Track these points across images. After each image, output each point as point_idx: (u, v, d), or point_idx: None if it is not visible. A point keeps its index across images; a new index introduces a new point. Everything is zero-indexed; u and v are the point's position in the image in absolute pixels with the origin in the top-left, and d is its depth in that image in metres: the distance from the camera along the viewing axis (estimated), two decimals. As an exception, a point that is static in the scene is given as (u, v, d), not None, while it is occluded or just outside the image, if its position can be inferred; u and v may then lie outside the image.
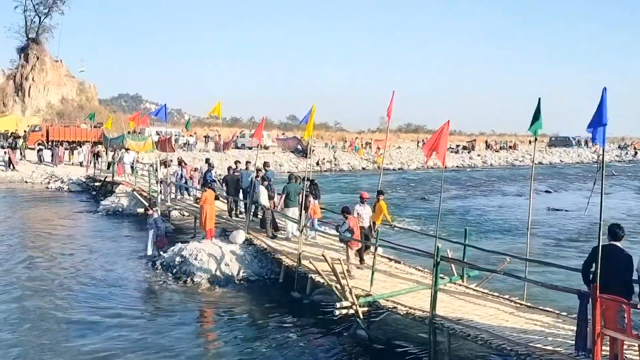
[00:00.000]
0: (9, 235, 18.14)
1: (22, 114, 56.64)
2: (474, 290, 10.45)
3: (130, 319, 10.60)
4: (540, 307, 9.36)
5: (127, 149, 28.21)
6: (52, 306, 11.06)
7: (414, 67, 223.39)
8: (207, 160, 21.65)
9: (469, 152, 66.88)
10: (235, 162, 17.57)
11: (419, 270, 11.75)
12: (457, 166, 56.29)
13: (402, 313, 9.14)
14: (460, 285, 10.70)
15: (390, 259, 12.58)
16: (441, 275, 9.07)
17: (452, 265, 10.86)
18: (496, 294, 10.22)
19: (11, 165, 33.90)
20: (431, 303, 8.42)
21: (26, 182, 32.53)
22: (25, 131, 41.49)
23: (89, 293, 12.05)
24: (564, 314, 8.93)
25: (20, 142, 37.68)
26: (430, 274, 10.90)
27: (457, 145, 68.57)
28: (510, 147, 75.74)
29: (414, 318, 8.96)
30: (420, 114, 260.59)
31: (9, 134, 38.95)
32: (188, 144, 49.94)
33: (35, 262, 14.45)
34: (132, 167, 26.44)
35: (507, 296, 10.03)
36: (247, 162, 18.30)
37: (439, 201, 10.06)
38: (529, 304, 9.54)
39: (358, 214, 11.99)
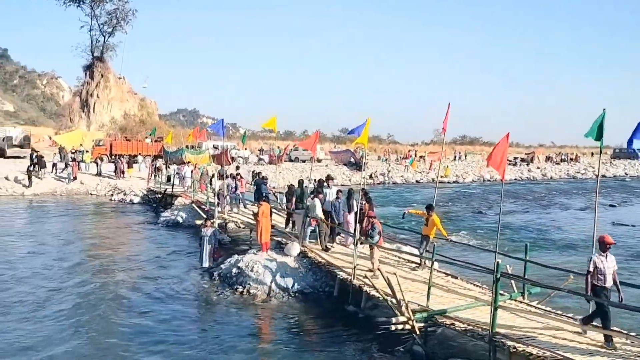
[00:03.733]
0: (74, 245, 18.97)
1: (87, 129, 59.39)
2: (535, 307, 10.12)
3: (188, 328, 10.88)
4: (607, 327, 8.94)
5: (187, 163, 29.16)
6: (113, 314, 11.49)
7: (470, 78, 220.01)
8: (255, 173, 22.21)
9: (527, 165, 65.02)
10: (327, 178, 17.28)
11: (477, 286, 11.46)
12: (515, 179, 54.79)
13: (460, 329, 8.94)
14: (521, 302, 10.38)
15: (447, 274, 12.34)
16: (501, 292, 8.83)
17: (513, 281, 10.55)
18: (559, 312, 9.86)
19: (73, 177, 35.43)
20: (491, 320, 8.20)
21: (91, 194, 33.95)
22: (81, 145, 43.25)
23: (149, 302, 12.42)
24: (633, 334, 8.51)
25: (86, 156, 39.40)
26: (489, 290, 10.65)
27: (515, 158, 66.78)
28: (571, 159, 73.15)
29: (472, 335, 8.75)
30: (476, 126, 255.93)
31: (73, 149, 40.81)
32: (245, 158, 50.87)
33: (99, 271, 15.02)
34: (192, 179, 27.22)
35: (570, 315, 9.66)
36: (327, 178, 17.60)
37: (499, 215, 9.79)
38: (594, 323, 9.13)
39: (596, 267, 8.19)
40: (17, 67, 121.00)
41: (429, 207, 12.82)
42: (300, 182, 17.08)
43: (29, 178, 33.07)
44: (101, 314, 11.47)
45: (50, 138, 52.50)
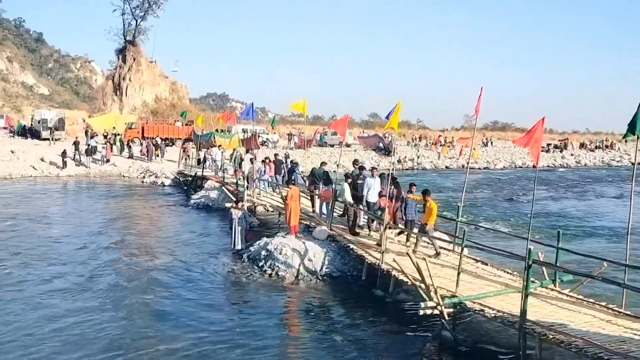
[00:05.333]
0: (106, 226, 19.39)
1: (119, 112, 60.29)
2: (567, 295, 9.97)
3: (219, 308, 11.06)
4: (641, 316, 8.77)
5: (218, 146, 29.49)
6: (144, 293, 11.72)
7: (501, 62, 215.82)
8: (286, 156, 22.63)
9: (561, 151, 63.67)
10: (354, 162, 17.99)
11: (508, 272, 11.33)
12: (548, 166, 53.79)
13: (489, 316, 8.87)
14: (552, 289, 10.24)
15: (477, 260, 12.22)
16: (532, 279, 8.71)
17: (544, 268, 10.40)
18: (591, 300, 9.70)
19: (106, 160, 36.19)
20: (521, 307, 8.11)
21: (123, 176, 34.58)
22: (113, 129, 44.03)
23: (179, 282, 12.64)
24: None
25: (117, 139, 40.19)
26: (519, 277, 10.53)
27: (548, 144, 65.40)
28: (606, 146, 71.27)
29: (502, 322, 8.68)
30: (507, 112, 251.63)
31: (106, 132, 41.58)
32: (274, 142, 51.06)
33: (130, 252, 15.33)
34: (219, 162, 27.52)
35: (603, 303, 9.49)
36: (354, 163, 18.41)
37: (532, 202, 9.63)
38: (628, 312, 8.98)
39: None
40: (52, 51, 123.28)
41: (426, 192, 12.47)
42: (323, 164, 18.03)
43: (64, 160, 33.83)
44: (132, 294, 11.73)
45: (84, 121, 53.47)
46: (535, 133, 9.22)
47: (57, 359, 8.49)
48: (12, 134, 45.08)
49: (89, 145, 36.24)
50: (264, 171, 22.02)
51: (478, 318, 9.71)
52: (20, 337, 9.19)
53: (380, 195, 14.23)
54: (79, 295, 11.45)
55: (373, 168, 15.56)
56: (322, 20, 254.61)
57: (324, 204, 16.30)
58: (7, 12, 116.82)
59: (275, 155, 23.89)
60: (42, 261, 14.04)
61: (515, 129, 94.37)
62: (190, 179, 29.68)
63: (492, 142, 66.44)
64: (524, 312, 8.08)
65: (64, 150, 34.44)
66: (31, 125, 45.17)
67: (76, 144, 35.81)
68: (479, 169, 48.93)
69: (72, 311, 10.48)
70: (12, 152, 34.98)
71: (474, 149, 52.72)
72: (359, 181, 15.15)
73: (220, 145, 29.74)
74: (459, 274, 9.98)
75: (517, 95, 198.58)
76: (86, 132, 41.96)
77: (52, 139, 40.47)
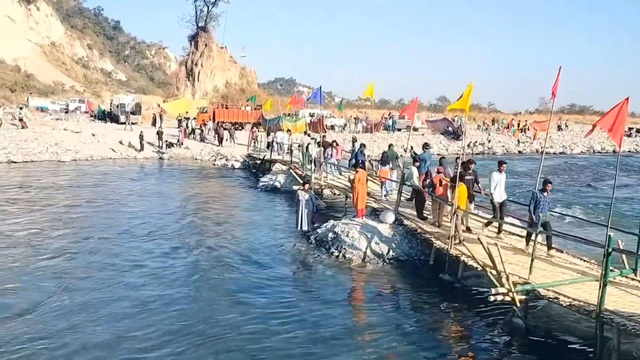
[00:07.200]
0: (178, 206, 20.16)
1: (192, 97, 62.06)
2: (649, 285, 9.44)
3: (287, 287, 11.29)
4: None
5: (287, 130, 29.91)
6: (215, 272, 12.12)
7: (581, 42, 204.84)
8: (353, 139, 22.72)
9: (643, 136, 59.94)
10: (425, 146, 18.18)
11: (584, 260, 10.86)
12: (629, 151, 50.90)
13: (564, 304, 8.54)
14: (632, 279, 9.73)
15: (551, 247, 11.77)
16: (611, 267, 8.30)
17: (624, 256, 9.89)
18: (677, 292, 9.14)
19: (180, 143, 37.46)
20: (599, 296, 7.76)
21: (196, 159, 35.77)
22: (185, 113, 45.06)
23: (249, 261, 12.96)
24: None
25: (192, 123, 41.47)
26: (597, 265, 10.11)
27: (630, 129, 61.66)
28: (697, 130, 66.27)
29: (578, 310, 8.34)
30: (586, 94, 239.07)
31: (180, 116, 42.89)
32: (341, 126, 51.12)
33: (202, 231, 15.88)
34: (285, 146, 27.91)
35: (691, 296, 8.92)
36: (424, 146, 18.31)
37: (613, 187, 9.13)
38: None
39: None
40: (128, 39, 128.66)
41: (455, 179, 12.57)
42: (390, 146, 19.11)
43: (141, 143, 35.32)
44: (205, 269, 12.18)
45: (158, 105, 55.48)
46: (618, 115, 8.66)
47: (131, 319, 8.97)
48: (92, 118, 47.55)
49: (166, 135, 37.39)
50: (331, 154, 22.10)
51: (552, 306, 9.40)
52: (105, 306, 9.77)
53: (438, 171, 13.86)
54: (149, 274, 11.94)
55: (501, 162, 13.13)
56: (389, 3, 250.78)
57: (383, 183, 17.39)
58: (87, 2, 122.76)
59: (323, 137, 25.25)
60: (118, 236, 14.79)
61: (594, 112, 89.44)
62: (259, 162, 30.27)
63: (567, 126, 63.40)
64: (601, 301, 7.74)
65: (141, 132, 35.89)
66: (110, 109, 47.49)
67: (159, 133, 36.92)
68: (554, 153, 46.99)
69: (142, 290, 11.00)
70: (93, 135, 36.87)
71: (547, 135, 50.48)
72: (467, 177, 13.17)
73: (289, 130, 30.12)
74: (532, 260, 9.66)
75: (597, 75, 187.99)
76: (160, 117, 43.48)
77: (128, 124, 41.80)
